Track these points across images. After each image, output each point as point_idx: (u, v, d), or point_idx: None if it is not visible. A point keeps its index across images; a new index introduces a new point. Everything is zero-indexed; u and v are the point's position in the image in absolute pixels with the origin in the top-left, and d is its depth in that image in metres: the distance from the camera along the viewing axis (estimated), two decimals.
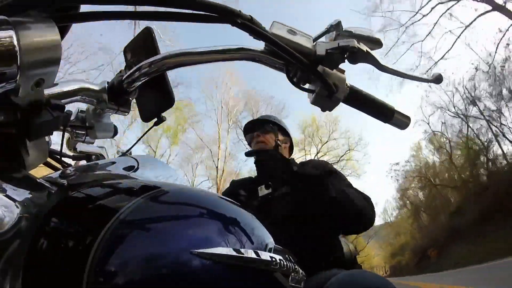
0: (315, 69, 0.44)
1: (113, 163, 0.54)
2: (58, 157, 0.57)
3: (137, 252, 0.30)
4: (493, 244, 8.46)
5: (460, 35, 13.61)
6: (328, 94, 0.45)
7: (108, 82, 0.45)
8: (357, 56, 0.43)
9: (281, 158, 1.19)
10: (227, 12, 0.35)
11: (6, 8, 0.27)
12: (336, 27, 0.46)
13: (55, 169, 0.57)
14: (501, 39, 13.08)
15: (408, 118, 0.51)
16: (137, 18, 0.36)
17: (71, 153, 0.64)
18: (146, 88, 0.46)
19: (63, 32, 0.32)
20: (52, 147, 0.58)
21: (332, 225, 1.06)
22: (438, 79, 0.49)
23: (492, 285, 3.98)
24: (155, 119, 0.53)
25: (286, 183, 1.15)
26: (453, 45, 13.93)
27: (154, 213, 0.35)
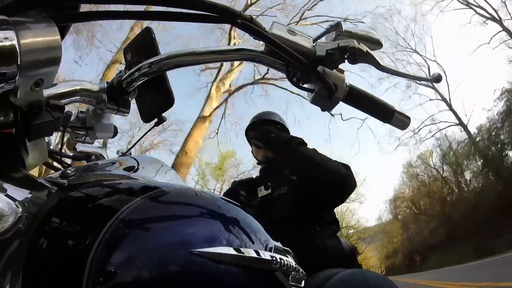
0: (315, 69, 0.44)
1: (113, 163, 0.54)
2: (58, 157, 0.57)
3: (137, 252, 0.30)
4: (457, 255, 13.13)
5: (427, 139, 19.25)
6: (328, 94, 0.45)
7: (107, 82, 0.45)
8: (357, 57, 0.43)
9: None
10: (228, 12, 0.35)
11: (6, 8, 0.27)
12: (336, 27, 0.46)
13: (55, 169, 0.57)
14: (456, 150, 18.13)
15: (408, 118, 0.51)
16: (137, 18, 0.36)
17: (71, 153, 0.65)
18: (146, 88, 0.45)
19: (63, 32, 0.32)
20: (52, 147, 0.58)
21: (318, 196, 1.03)
22: (437, 79, 0.49)
23: (454, 280, 6.72)
24: (156, 120, 0.53)
25: (283, 183, 1.15)
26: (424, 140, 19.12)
27: (154, 213, 0.35)
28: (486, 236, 10.70)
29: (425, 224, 20.06)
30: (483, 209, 11.93)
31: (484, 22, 15.62)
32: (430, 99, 18.35)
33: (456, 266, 10.92)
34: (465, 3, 15.94)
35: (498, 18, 14.74)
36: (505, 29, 14.62)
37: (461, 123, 17.00)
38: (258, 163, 1.33)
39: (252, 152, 1.36)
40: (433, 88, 17.14)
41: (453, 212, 15.69)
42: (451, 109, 17.32)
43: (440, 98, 17.76)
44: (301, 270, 0.43)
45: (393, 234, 24.89)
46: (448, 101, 17.46)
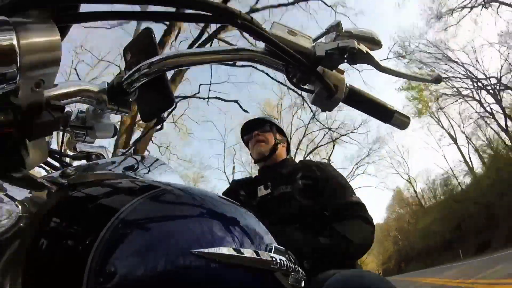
0: (315, 69, 0.44)
1: (113, 162, 0.54)
2: (58, 156, 0.57)
3: (137, 252, 0.30)
4: (426, 263, 20.88)
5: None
6: (328, 95, 0.45)
7: (107, 83, 0.45)
8: (356, 57, 0.43)
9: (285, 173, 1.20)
10: (228, 12, 0.35)
11: (6, 8, 0.27)
12: (336, 27, 0.46)
13: (55, 168, 0.57)
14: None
15: (408, 118, 0.51)
16: (138, 18, 0.36)
17: (71, 153, 0.65)
18: (146, 88, 0.45)
19: (63, 33, 0.32)
20: (52, 146, 0.58)
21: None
22: (437, 80, 0.49)
23: (429, 277, 10.34)
24: (155, 120, 0.53)
25: (285, 183, 1.15)
26: None
27: (154, 213, 0.35)
28: (435, 255, 20.63)
29: (406, 244, 30.09)
30: (433, 239, 21.90)
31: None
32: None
33: (420, 270, 18.62)
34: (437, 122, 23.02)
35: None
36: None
37: (419, 203, 29.00)
38: (255, 162, 1.32)
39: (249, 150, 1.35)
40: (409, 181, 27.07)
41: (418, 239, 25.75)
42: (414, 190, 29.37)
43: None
44: (300, 270, 0.43)
45: (387, 248, 35.32)
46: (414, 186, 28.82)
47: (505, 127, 17.38)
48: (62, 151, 0.57)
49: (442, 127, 23.18)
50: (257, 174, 1.34)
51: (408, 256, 27.34)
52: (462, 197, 18.67)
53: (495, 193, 14.17)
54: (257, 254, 0.36)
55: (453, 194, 21.87)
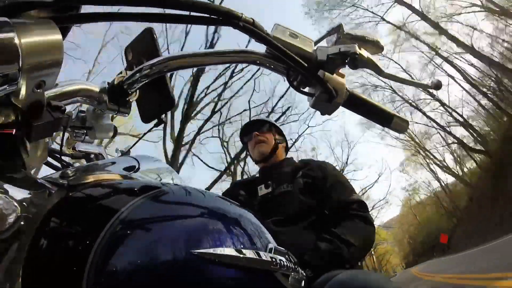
0: (316, 73, 0.44)
1: (113, 163, 0.54)
2: (58, 156, 0.57)
3: (137, 252, 0.30)
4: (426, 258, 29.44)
5: None
6: (328, 98, 0.45)
7: (108, 83, 0.45)
8: (358, 62, 0.43)
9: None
10: (229, 15, 0.35)
11: (7, 9, 0.27)
12: (337, 30, 0.46)
13: (54, 168, 0.57)
14: None
15: (406, 122, 0.51)
16: (139, 19, 0.35)
17: (70, 152, 0.64)
18: (147, 89, 0.45)
19: (64, 33, 0.32)
20: (52, 146, 0.58)
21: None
22: (437, 86, 0.49)
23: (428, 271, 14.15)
24: (156, 121, 0.53)
25: (285, 181, 1.15)
26: None
27: (154, 213, 0.35)
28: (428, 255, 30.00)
29: (416, 247, 39.53)
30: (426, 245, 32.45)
31: None
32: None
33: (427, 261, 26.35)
34: None
35: None
36: None
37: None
38: (256, 163, 1.32)
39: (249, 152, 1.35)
40: None
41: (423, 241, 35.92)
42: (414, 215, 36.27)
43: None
44: (301, 271, 0.43)
45: (404, 247, 45.21)
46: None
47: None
48: (62, 150, 0.57)
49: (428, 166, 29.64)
50: (257, 175, 1.34)
51: (420, 254, 37.64)
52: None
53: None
54: (258, 254, 0.36)
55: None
